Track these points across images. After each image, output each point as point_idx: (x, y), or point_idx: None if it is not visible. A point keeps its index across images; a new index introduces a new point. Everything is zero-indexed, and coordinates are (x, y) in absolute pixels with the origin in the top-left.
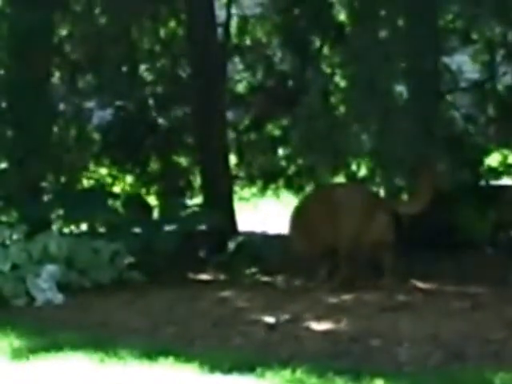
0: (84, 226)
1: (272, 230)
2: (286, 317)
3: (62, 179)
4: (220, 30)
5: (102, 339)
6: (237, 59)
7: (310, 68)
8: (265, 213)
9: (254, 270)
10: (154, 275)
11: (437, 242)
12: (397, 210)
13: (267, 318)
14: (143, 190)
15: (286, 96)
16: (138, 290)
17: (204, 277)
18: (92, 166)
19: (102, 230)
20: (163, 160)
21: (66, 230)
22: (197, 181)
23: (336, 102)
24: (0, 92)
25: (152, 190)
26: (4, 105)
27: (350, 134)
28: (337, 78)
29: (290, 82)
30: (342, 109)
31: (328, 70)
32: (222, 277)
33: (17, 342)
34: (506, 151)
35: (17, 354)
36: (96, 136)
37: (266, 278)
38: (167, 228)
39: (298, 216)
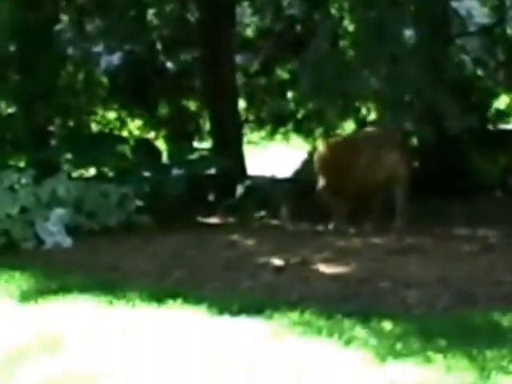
0: (92, 171)
1: (281, 173)
2: (295, 259)
3: (70, 123)
4: None
5: (110, 282)
6: (245, 3)
7: (318, 12)
8: (274, 156)
9: (262, 213)
10: (163, 219)
11: (447, 186)
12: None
13: (276, 261)
14: (152, 134)
15: (294, 40)
16: (147, 234)
17: (213, 220)
18: (100, 111)
19: (110, 174)
20: (172, 104)
21: (74, 175)
22: (206, 125)
23: (344, 46)
24: (8, 36)
25: (161, 134)
26: (12, 49)
27: (359, 78)
28: (345, 23)
29: (299, 27)
30: (350, 53)
31: (337, 15)
32: (230, 220)
33: (25, 285)
34: None
35: (25, 297)
36: (104, 80)
37: (274, 222)
38: (176, 172)
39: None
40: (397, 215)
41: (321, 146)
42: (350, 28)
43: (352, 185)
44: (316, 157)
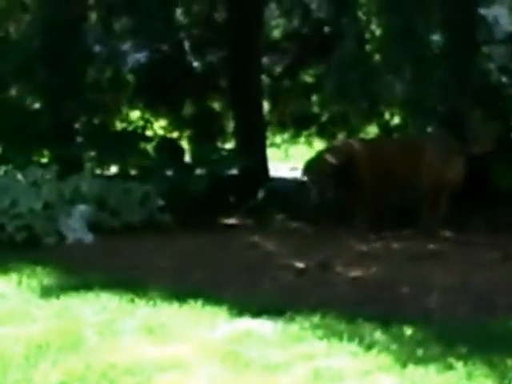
0: (115, 168)
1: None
2: (316, 262)
3: (95, 121)
4: None
5: (131, 280)
6: (273, 5)
7: (345, 16)
8: (296, 160)
9: (283, 215)
10: (184, 218)
11: (470, 193)
12: (471, 151)
13: (297, 263)
14: (176, 134)
15: (321, 43)
16: (168, 233)
17: (234, 221)
18: (125, 109)
19: (133, 172)
20: (197, 104)
21: (97, 172)
22: (230, 126)
23: (371, 50)
24: (36, 33)
25: (184, 134)
26: (40, 45)
27: (384, 82)
28: (372, 26)
29: (326, 30)
30: (376, 57)
31: (364, 18)
32: (251, 222)
33: (47, 280)
34: None
35: (46, 292)
36: (130, 78)
37: (295, 224)
38: (198, 171)
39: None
40: (436, 219)
41: (357, 145)
42: (377, 32)
43: (397, 188)
44: (357, 156)
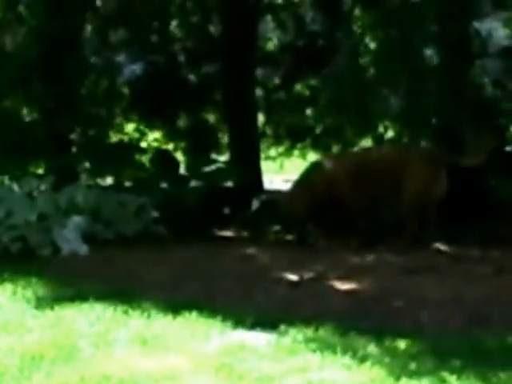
0: (110, 180)
1: None
2: (310, 275)
3: (91, 132)
4: None
5: (125, 291)
6: (268, 17)
7: (340, 28)
8: (290, 173)
9: (277, 228)
10: (179, 230)
11: (464, 206)
12: (458, 163)
13: (290, 276)
14: (170, 146)
15: (315, 56)
16: (163, 245)
17: (228, 233)
18: (120, 121)
19: (128, 183)
20: (191, 116)
21: (91, 183)
22: (224, 138)
23: (366, 63)
24: (32, 44)
25: (179, 146)
26: (36, 57)
27: (379, 95)
28: (367, 40)
29: (321, 42)
30: (371, 70)
31: (359, 31)
32: (245, 234)
33: (41, 291)
34: None
35: (41, 303)
36: (125, 90)
37: (289, 237)
38: (193, 183)
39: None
40: (428, 231)
41: (339, 159)
42: (372, 45)
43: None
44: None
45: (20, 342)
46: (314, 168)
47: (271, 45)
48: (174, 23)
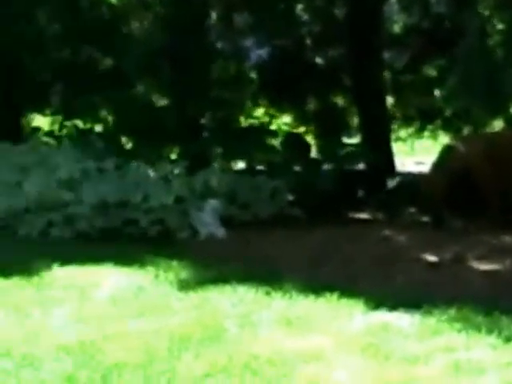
0: (241, 164)
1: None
2: (448, 256)
3: (221, 117)
4: None
5: (266, 273)
6: (393, 0)
7: (465, 10)
8: (422, 155)
9: (412, 210)
10: (314, 213)
11: None
12: None
13: (430, 257)
14: (300, 129)
15: (441, 37)
16: (298, 227)
17: (363, 216)
18: (249, 105)
19: (260, 167)
20: (320, 99)
21: (224, 167)
22: (354, 121)
23: (494, 44)
24: (159, 30)
25: (309, 130)
26: (163, 43)
27: (509, 76)
28: (494, 21)
29: (446, 24)
30: (500, 51)
31: (486, 13)
32: (380, 216)
33: (183, 274)
34: None
35: (184, 286)
36: (253, 75)
37: (424, 218)
38: (325, 167)
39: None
40: None
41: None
42: (500, 26)
43: None
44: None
45: (166, 323)
46: (449, 150)
47: (397, 28)
48: (299, 7)
